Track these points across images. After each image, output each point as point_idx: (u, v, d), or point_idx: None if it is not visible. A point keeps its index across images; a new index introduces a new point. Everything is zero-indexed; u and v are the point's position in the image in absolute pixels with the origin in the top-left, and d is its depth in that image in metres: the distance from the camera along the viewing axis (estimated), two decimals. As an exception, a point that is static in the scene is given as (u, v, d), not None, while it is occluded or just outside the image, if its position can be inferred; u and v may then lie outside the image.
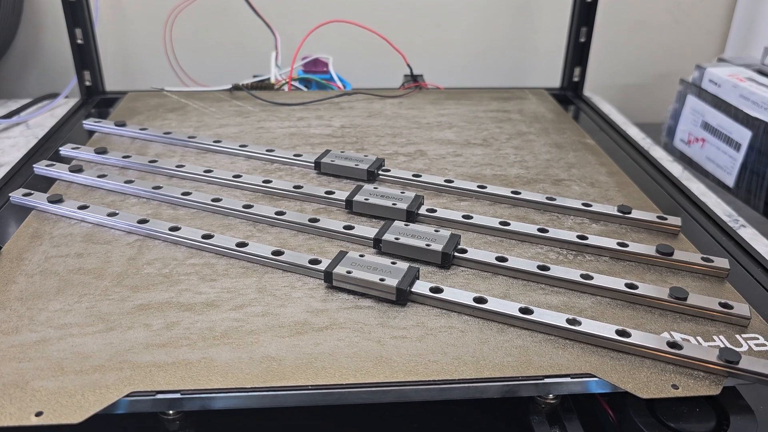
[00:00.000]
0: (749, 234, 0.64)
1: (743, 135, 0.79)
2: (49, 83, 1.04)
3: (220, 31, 1.03)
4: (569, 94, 0.90)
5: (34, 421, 0.32)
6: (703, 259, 0.46)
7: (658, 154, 0.82)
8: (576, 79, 0.90)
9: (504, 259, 0.45)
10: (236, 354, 0.37)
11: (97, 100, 0.84)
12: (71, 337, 0.38)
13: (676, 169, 0.78)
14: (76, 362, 0.36)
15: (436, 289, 0.42)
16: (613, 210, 0.52)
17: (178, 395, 0.34)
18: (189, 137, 0.64)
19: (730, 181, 0.82)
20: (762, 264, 0.50)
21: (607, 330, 0.38)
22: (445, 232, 0.47)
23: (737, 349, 0.37)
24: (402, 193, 0.53)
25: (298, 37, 0.81)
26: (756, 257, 0.51)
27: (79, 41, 0.82)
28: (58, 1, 0.79)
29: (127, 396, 0.34)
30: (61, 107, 0.90)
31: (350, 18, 0.83)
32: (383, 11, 1.03)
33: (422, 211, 0.52)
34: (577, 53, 0.88)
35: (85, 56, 0.83)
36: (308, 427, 0.41)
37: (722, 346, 0.38)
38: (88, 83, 0.85)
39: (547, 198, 0.54)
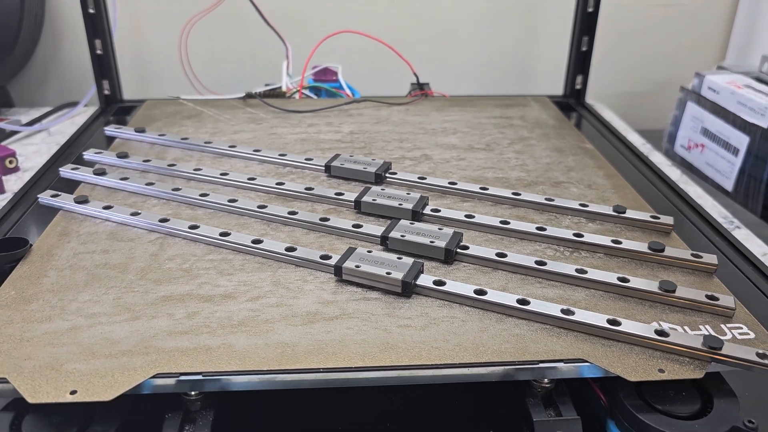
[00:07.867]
0: (743, 235, 0.66)
1: (741, 140, 0.82)
2: (69, 92, 1.07)
3: (233, 42, 1.06)
4: (571, 102, 0.92)
5: (69, 398, 0.35)
6: (692, 255, 0.48)
7: (658, 159, 0.85)
8: (578, 86, 0.92)
9: (503, 255, 0.48)
10: (253, 340, 0.40)
11: (116, 108, 0.88)
12: (100, 325, 0.41)
13: (674, 173, 0.81)
14: (105, 347, 0.39)
15: (439, 282, 0.44)
16: (608, 210, 0.55)
17: (200, 377, 0.37)
18: (205, 143, 0.67)
19: (729, 185, 0.84)
20: (751, 260, 0.53)
21: (599, 319, 0.41)
22: (448, 230, 0.50)
23: (721, 338, 0.39)
24: (408, 194, 0.56)
25: (308, 47, 0.84)
26: (746, 254, 0.54)
27: (99, 52, 0.86)
28: (77, 13, 0.83)
29: (153, 377, 0.37)
30: (80, 115, 0.94)
31: (358, 28, 0.86)
32: (390, 22, 1.06)
33: (427, 211, 0.54)
34: (579, 61, 0.91)
35: (104, 66, 0.87)
36: (319, 410, 0.43)
37: (707, 334, 0.41)
38: (106, 92, 0.88)
39: (546, 199, 0.56)
